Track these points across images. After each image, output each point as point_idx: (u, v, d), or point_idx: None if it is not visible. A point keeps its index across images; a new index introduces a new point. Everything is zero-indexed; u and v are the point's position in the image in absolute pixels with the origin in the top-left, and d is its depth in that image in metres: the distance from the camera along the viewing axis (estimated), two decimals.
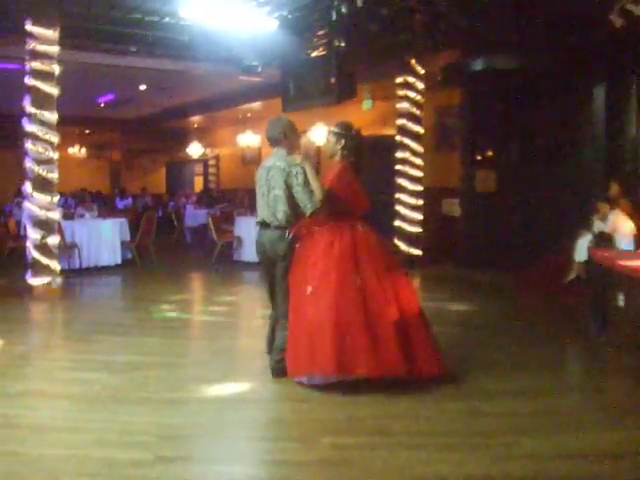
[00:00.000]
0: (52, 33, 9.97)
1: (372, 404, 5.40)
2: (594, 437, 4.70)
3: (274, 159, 6.18)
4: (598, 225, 9.23)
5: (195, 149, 26.66)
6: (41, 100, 9.98)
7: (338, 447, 4.48)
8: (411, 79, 13.49)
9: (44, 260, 10.12)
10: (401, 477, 4.10)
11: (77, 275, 12.29)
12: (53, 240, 10.24)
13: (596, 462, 4.28)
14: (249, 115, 22.34)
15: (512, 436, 4.67)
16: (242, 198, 19.90)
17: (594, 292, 7.99)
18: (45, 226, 10.13)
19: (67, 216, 13.41)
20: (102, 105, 21.61)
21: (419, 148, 13.71)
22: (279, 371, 5.96)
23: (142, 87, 18.08)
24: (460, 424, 4.93)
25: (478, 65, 12.53)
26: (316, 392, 5.63)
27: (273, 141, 6.30)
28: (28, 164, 10.06)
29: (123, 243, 13.71)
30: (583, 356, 7.36)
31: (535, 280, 10.66)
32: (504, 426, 4.87)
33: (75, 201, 19.39)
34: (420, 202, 13.80)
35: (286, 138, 6.23)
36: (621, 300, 8.00)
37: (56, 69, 10.07)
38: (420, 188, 13.77)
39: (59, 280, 10.32)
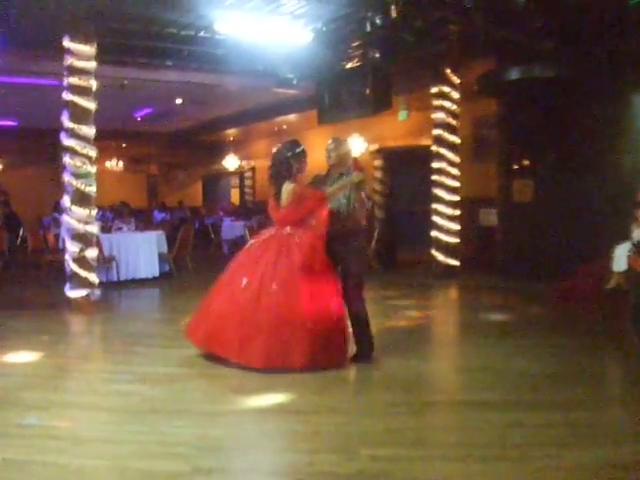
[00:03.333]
0: (89, 49, 10.08)
1: (411, 415, 5.36)
2: (633, 449, 4.62)
3: None
4: (637, 233, 9.11)
5: (231, 162, 26.77)
6: (79, 115, 10.09)
7: (377, 459, 4.45)
8: (446, 89, 13.43)
9: (82, 273, 10.20)
10: None
11: (115, 287, 12.39)
12: (91, 253, 10.33)
13: (635, 474, 4.21)
14: (285, 127, 22.41)
15: (552, 448, 4.60)
16: None
17: (635, 302, 7.87)
18: (83, 239, 10.21)
19: (105, 229, 13.55)
20: (139, 119, 21.82)
21: (455, 158, 13.63)
22: None
23: (178, 101, 18.23)
24: (499, 436, 4.86)
25: (514, 74, 12.47)
26: (355, 403, 5.62)
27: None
28: (66, 178, 10.16)
29: (161, 255, 13.79)
30: (623, 367, 7.25)
31: (574, 290, 10.54)
32: (543, 438, 4.80)
33: (113, 214, 19.55)
34: (457, 212, 13.72)
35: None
36: None
37: (93, 84, 10.18)
38: (457, 198, 13.69)
39: (97, 292, 10.40)
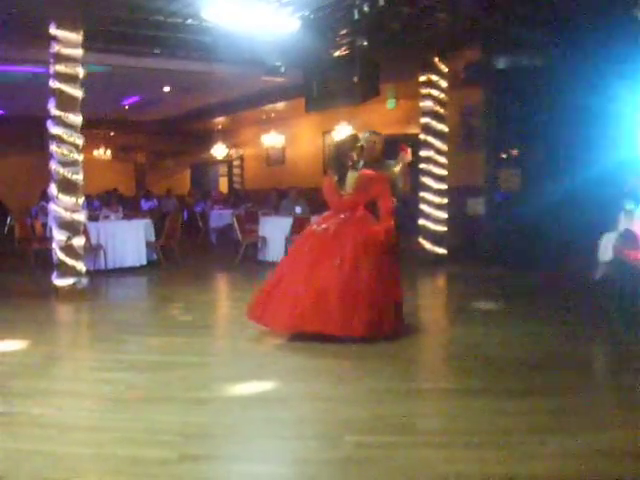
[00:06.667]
0: (76, 36, 10.02)
1: (396, 402, 5.38)
2: (618, 436, 4.63)
3: None
4: (624, 223, 9.14)
5: (219, 150, 26.72)
6: (66, 103, 10.04)
7: (362, 445, 4.47)
8: (435, 77, 13.44)
9: (69, 261, 10.18)
10: (425, 476, 4.07)
11: (102, 276, 12.38)
12: (78, 241, 10.31)
13: (620, 461, 4.23)
14: (273, 115, 22.37)
15: (536, 435, 4.62)
16: (274, 198, 19.22)
17: (620, 291, 7.91)
18: (70, 228, 10.19)
19: (92, 217, 13.51)
20: (126, 107, 21.75)
21: (443, 147, 13.66)
22: None
23: (166, 89, 18.19)
24: (484, 422, 4.89)
25: (502, 63, 12.49)
26: (340, 391, 5.64)
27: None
28: (53, 166, 10.12)
29: (148, 244, 13.78)
30: (608, 355, 7.29)
31: (560, 279, 10.58)
32: (528, 425, 4.82)
33: (100, 203, 19.49)
34: (445, 201, 13.75)
35: None
36: None
37: (80, 72, 10.12)
38: (444, 187, 13.72)
39: (84, 281, 10.38)
